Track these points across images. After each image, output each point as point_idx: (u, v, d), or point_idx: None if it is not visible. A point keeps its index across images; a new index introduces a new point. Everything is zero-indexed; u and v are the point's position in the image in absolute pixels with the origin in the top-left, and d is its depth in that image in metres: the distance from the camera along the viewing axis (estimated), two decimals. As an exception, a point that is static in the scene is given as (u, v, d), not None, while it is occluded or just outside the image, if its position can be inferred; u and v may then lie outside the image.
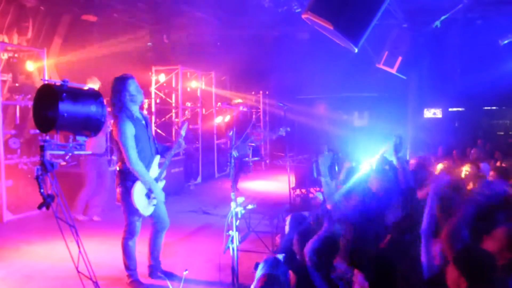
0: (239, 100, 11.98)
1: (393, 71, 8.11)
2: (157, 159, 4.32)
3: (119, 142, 4.05)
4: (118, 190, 4.16)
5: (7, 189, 6.88)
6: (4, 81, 7.42)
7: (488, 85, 10.36)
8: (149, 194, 4.15)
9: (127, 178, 4.08)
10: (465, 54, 10.85)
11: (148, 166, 4.18)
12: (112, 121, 4.24)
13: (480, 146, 9.40)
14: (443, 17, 7.75)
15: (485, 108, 14.57)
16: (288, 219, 3.97)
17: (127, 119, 4.05)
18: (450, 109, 14.29)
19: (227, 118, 11.95)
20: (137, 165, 4.02)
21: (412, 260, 2.79)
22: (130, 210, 4.11)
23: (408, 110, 11.22)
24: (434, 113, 13.90)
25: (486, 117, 14.66)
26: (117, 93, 4.10)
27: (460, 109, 14.56)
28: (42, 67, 7.57)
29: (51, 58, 8.80)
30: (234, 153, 8.56)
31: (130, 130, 4.03)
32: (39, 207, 3.44)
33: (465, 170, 5.61)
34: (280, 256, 3.42)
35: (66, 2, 8.71)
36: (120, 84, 4.11)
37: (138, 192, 4.07)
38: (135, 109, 4.18)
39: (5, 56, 7.60)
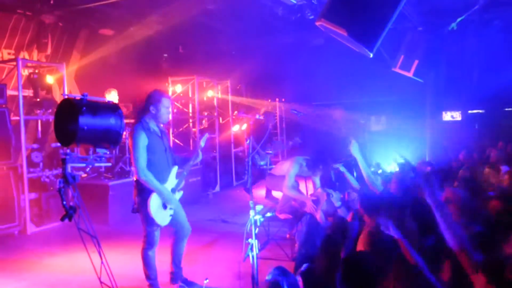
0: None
1: (410, 74, 8.05)
2: (174, 170, 4.35)
3: (131, 152, 4.14)
4: (136, 200, 4.21)
5: (31, 202, 7.03)
6: (25, 97, 7.60)
7: (508, 85, 10.16)
8: (165, 204, 4.19)
9: (144, 189, 4.12)
10: (483, 55, 10.68)
11: (164, 177, 4.22)
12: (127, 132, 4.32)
13: (501, 148, 9.20)
14: (459, 19, 7.67)
15: (506, 109, 14.26)
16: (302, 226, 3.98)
17: (142, 130, 4.11)
18: (469, 111, 14.05)
19: (244, 126, 11.99)
20: (143, 175, 4.05)
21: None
22: (148, 220, 4.15)
23: (426, 113, 11.08)
24: (453, 116, 13.68)
25: (507, 119, 14.34)
26: (147, 103, 4.19)
27: (480, 111, 14.29)
28: (62, 82, 7.74)
29: (70, 72, 9.00)
30: (261, 162, 8.52)
31: (142, 141, 4.08)
32: (62, 219, 3.52)
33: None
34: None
35: (84, 18, 8.91)
36: (153, 97, 4.20)
37: (154, 202, 4.10)
38: (152, 122, 4.24)
39: (25, 72, 7.81)
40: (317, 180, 6.33)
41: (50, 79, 7.74)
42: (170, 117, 10.14)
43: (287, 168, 6.18)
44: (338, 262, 3.11)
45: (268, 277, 3.06)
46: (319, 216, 4.05)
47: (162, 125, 4.41)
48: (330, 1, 4.15)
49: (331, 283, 3.04)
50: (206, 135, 4.66)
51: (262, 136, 8.43)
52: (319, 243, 3.44)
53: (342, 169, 5.72)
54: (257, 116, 4.23)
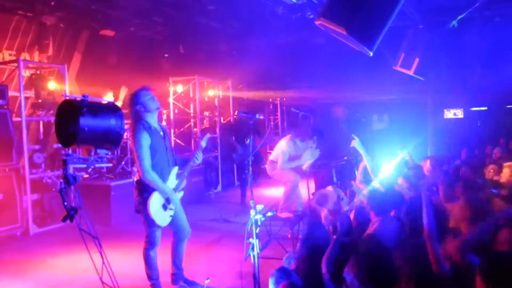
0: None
1: (411, 73, 8.01)
2: (175, 170, 4.35)
3: (134, 152, 4.13)
4: (137, 201, 4.22)
5: (33, 203, 7.05)
6: (27, 98, 7.63)
7: (510, 82, 10.13)
8: (165, 205, 4.19)
9: (144, 189, 4.12)
10: (485, 52, 10.64)
11: (165, 177, 4.22)
12: (129, 133, 4.31)
13: (503, 145, 9.19)
14: (460, 17, 7.64)
15: (509, 106, 14.21)
16: (303, 225, 3.98)
17: (144, 130, 4.10)
18: (472, 109, 14.02)
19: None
20: (148, 174, 4.05)
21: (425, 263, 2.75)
22: (148, 221, 4.15)
23: (428, 111, 11.06)
24: (455, 114, 13.66)
25: (510, 116, 14.29)
26: (132, 106, 4.19)
27: (482, 108, 14.24)
28: (63, 86, 7.75)
29: (72, 73, 9.02)
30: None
31: (145, 140, 4.08)
32: (63, 220, 3.53)
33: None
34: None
35: (85, 19, 8.93)
36: (132, 98, 4.20)
37: (154, 203, 4.10)
38: (152, 119, 4.23)
39: (27, 73, 7.83)
40: (308, 155, 6.81)
41: (52, 85, 7.74)
42: (171, 115, 10.27)
43: (283, 146, 6.79)
44: (319, 261, 3.12)
45: (271, 279, 3.05)
46: (324, 214, 4.03)
47: (164, 123, 4.42)
48: (330, 0, 4.15)
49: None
50: (208, 135, 4.64)
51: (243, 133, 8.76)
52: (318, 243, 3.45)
53: (358, 145, 5.44)
54: (257, 116, 4.21)
